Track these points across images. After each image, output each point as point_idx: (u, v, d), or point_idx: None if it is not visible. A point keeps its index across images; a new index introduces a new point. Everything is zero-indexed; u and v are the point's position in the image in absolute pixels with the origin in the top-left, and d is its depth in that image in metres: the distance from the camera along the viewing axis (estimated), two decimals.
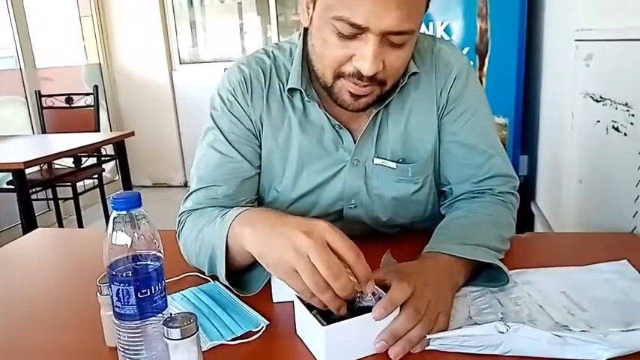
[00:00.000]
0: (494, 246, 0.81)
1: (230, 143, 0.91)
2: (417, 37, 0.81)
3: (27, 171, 2.43)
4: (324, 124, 0.91)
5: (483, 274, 0.77)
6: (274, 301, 0.76)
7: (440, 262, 0.75)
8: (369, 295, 0.63)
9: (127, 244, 0.57)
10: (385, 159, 0.92)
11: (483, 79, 2.30)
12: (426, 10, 0.79)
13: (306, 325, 0.65)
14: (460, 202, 0.94)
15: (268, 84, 0.92)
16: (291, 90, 0.91)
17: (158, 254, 0.59)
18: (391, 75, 0.81)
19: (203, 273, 0.85)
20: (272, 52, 0.95)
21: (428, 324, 0.64)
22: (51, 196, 3.41)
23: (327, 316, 0.63)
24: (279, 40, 4.15)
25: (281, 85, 0.92)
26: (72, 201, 3.26)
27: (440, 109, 0.93)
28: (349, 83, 0.80)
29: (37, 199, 3.27)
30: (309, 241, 0.61)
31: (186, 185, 4.56)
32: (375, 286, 0.64)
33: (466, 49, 2.27)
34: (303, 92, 0.89)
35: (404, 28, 0.74)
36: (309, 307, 0.64)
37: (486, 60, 2.30)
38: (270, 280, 0.76)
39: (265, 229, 0.68)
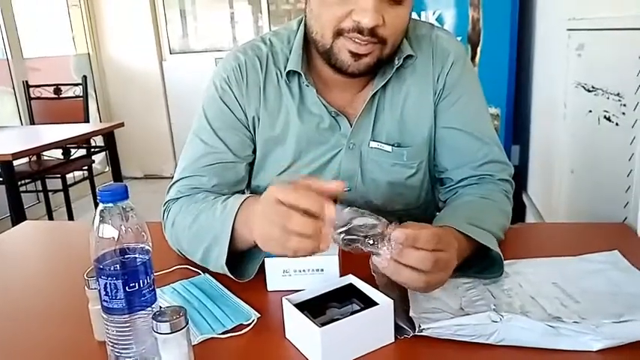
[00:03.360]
0: (497, 235, 0.80)
1: (215, 132, 0.91)
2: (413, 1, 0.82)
3: (15, 163, 2.41)
4: (322, 111, 0.91)
5: (477, 264, 0.76)
6: (268, 289, 0.76)
7: (450, 232, 0.72)
8: (348, 221, 0.62)
9: (114, 237, 0.56)
10: (381, 142, 0.92)
11: (475, 69, 2.29)
12: None
13: (298, 327, 0.63)
14: (464, 188, 0.93)
15: (265, 71, 0.92)
16: (289, 75, 0.90)
17: (147, 247, 0.58)
18: (391, 33, 0.80)
19: (193, 265, 0.84)
20: (269, 39, 0.94)
21: (427, 275, 0.63)
22: (40, 188, 3.38)
23: (318, 318, 0.62)
24: (270, 30, 4.15)
25: (278, 73, 0.92)
26: (62, 193, 3.23)
27: (436, 94, 0.93)
28: (349, 41, 0.79)
29: (26, 191, 3.23)
30: (264, 206, 0.64)
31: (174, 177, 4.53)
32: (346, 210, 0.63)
33: (458, 39, 2.27)
34: (303, 76, 0.88)
35: None
36: (300, 308, 0.63)
37: (478, 49, 2.29)
38: (263, 271, 0.76)
39: (252, 216, 0.69)
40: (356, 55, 0.80)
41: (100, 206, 0.56)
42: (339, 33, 0.80)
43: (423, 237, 0.62)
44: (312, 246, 0.61)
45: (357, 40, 0.79)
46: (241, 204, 0.77)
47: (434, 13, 2.36)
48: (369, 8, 0.75)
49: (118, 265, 0.56)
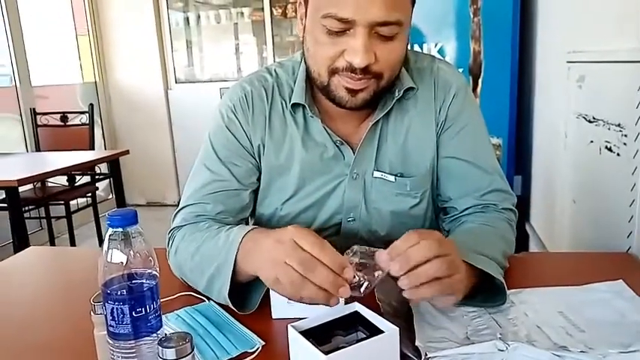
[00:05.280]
0: (501, 262, 0.81)
1: (221, 160, 0.92)
2: (408, 30, 0.83)
3: (20, 189, 2.41)
4: (326, 140, 0.92)
5: (481, 293, 0.76)
6: (273, 317, 0.76)
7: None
8: (359, 278, 0.64)
9: (122, 262, 0.56)
10: (384, 172, 0.93)
11: (477, 100, 2.32)
12: (413, 3, 0.81)
13: (304, 355, 0.62)
14: (468, 216, 0.94)
15: (271, 102, 0.93)
16: (294, 106, 0.92)
17: (154, 272, 0.58)
18: (386, 68, 0.81)
19: (197, 292, 0.84)
20: (274, 70, 0.96)
21: (443, 267, 0.65)
22: (43, 215, 3.38)
23: (323, 345, 0.62)
24: (274, 61, 4.23)
25: (283, 103, 0.93)
26: (64, 220, 3.24)
27: (439, 125, 0.94)
28: (344, 78, 0.81)
29: (30, 218, 3.24)
30: (281, 247, 0.65)
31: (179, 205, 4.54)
32: (359, 271, 0.65)
33: (460, 71, 2.30)
34: (307, 107, 0.90)
35: (390, 19, 0.76)
36: (306, 336, 0.63)
37: (480, 81, 2.32)
38: (268, 298, 0.76)
39: (257, 250, 0.71)
40: (352, 91, 0.82)
41: (110, 231, 0.57)
42: (333, 72, 0.81)
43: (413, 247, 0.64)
44: (326, 299, 0.63)
45: (351, 78, 0.80)
46: (244, 235, 0.77)
47: (435, 46, 2.41)
48: (360, 49, 0.76)
49: (125, 290, 0.57)
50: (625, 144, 1.10)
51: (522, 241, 2.24)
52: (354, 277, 0.64)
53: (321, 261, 0.63)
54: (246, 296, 0.79)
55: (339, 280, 0.62)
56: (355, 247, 0.69)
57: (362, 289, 0.65)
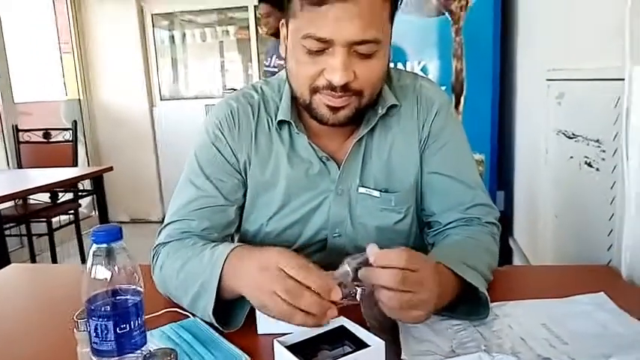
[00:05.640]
0: (486, 275, 0.82)
1: (207, 176, 0.92)
2: (388, 48, 0.85)
3: (0, 206, 2.38)
4: (311, 157, 0.93)
5: (464, 306, 0.77)
6: (259, 332, 0.75)
7: (436, 266, 0.73)
8: (350, 289, 0.67)
9: (106, 278, 0.56)
10: (369, 187, 0.94)
11: (459, 117, 2.35)
12: (392, 22, 0.83)
13: None
14: (452, 229, 0.95)
15: (257, 119, 0.94)
16: (280, 123, 0.93)
17: (138, 288, 0.58)
18: (366, 85, 0.83)
19: (182, 308, 0.84)
20: (260, 88, 0.97)
21: (406, 301, 0.65)
22: (24, 232, 3.33)
23: (309, 359, 0.62)
24: (260, 78, 4.25)
25: (269, 120, 0.94)
26: (46, 237, 3.18)
27: (422, 142, 0.95)
28: (325, 96, 0.82)
29: (10, 235, 3.18)
30: (267, 274, 0.66)
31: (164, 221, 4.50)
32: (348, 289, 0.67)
33: (442, 88, 2.34)
34: (293, 124, 0.91)
35: (367, 37, 0.78)
36: (292, 350, 0.62)
37: (462, 99, 2.36)
38: (254, 313, 0.75)
39: (242, 269, 0.72)
40: (333, 109, 0.84)
41: (94, 247, 0.56)
42: (315, 90, 0.83)
43: (390, 255, 0.67)
44: (316, 323, 0.64)
45: (331, 95, 0.82)
46: (230, 252, 0.77)
47: (419, 64, 2.45)
48: (338, 67, 0.78)
49: (109, 306, 0.56)
50: (604, 159, 1.13)
51: (506, 255, 2.26)
52: (350, 290, 0.66)
53: (308, 286, 0.64)
54: (231, 314, 0.78)
55: (327, 304, 0.64)
56: (346, 261, 0.69)
57: (357, 297, 0.67)
